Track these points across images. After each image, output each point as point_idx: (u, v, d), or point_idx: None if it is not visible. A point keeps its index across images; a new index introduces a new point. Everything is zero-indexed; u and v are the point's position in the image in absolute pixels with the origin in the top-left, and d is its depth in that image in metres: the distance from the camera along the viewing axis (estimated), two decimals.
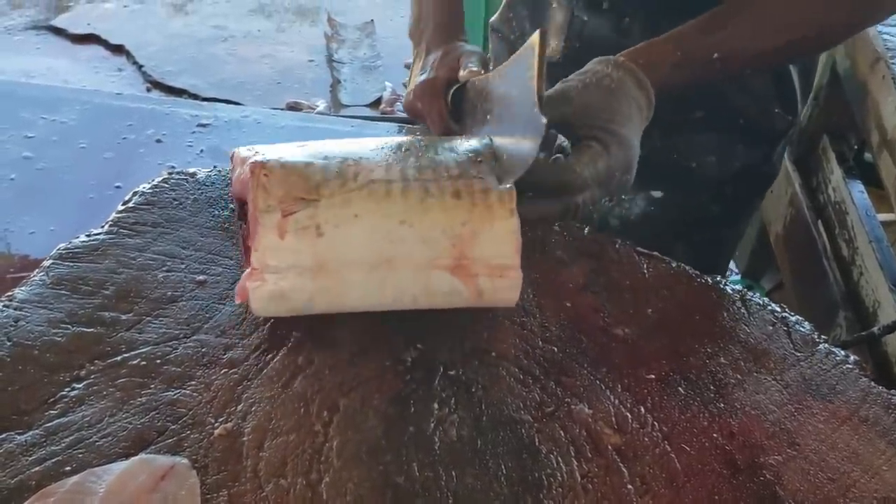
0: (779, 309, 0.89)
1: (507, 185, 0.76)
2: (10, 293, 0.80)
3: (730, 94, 1.07)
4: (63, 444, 0.69)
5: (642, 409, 0.77)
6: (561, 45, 1.09)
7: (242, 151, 0.81)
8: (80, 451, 0.69)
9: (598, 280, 0.90)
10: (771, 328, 0.87)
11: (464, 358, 0.80)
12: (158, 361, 0.76)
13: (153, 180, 0.96)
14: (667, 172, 1.08)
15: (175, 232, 0.89)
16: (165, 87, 3.02)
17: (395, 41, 3.36)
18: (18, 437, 0.69)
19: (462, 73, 0.92)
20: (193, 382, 0.75)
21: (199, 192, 0.95)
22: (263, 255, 0.74)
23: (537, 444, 0.73)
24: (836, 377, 0.82)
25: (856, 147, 1.62)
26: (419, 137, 0.85)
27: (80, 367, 0.75)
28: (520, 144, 0.77)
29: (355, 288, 0.76)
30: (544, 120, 0.73)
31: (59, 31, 3.32)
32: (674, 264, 0.94)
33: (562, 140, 0.83)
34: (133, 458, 0.68)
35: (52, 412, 0.71)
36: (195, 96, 2.88)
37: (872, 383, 0.82)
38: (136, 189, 0.95)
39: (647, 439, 0.75)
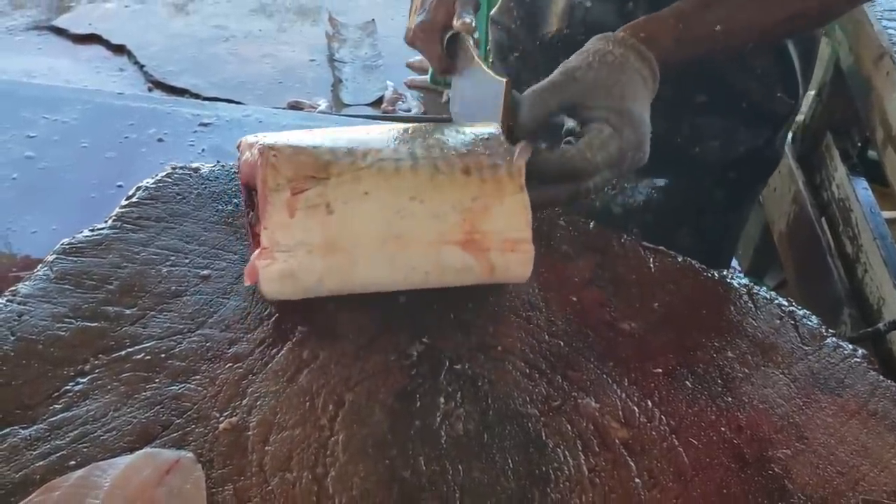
0: (786, 303, 0.89)
1: (517, 161, 0.76)
2: (13, 288, 0.80)
3: (732, 78, 1.06)
4: (67, 439, 0.68)
5: (649, 403, 0.77)
6: (565, 32, 1.09)
7: (250, 138, 0.81)
8: (85, 445, 0.68)
9: (603, 274, 0.90)
10: (778, 322, 0.87)
11: (470, 352, 0.79)
12: (163, 356, 0.76)
13: (156, 175, 0.95)
14: (670, 158, 1.08)
15: (179, 227, 0.89)
16: (167, 86, 3.01)
17: (397, 40, 3.35)
18: (23, 432, 0.69)
19: (455, 23, 0.93)
20: (198, 377, 0.75)
21: (203, 186, 0.95)
22: (273, 234, 0.74)
23: (544, 438, 0.73)
24: (845, 371, 0.82)
25: (860, 144, 1.62)
26: (425, 124, 0.85)
27: (84, 361, 0.75)
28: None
29: (366, 265, 0.76)
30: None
31: (60, 32, 3.32)
32: (680, 258, 0.93)
33: (570, 123, 0.82)
34: (138, 453, 0.67)
35: (56, 406, 0.71)
36: (197, 96, 2.88)
37: (881, 377, 0.82)
38: (140, 184, 0.94)
39: (654, 433, 0.74)
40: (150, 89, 2.98)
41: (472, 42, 0.92)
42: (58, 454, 0.67)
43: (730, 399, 0.78)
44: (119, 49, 3.21)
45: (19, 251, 1.20)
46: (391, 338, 0.80)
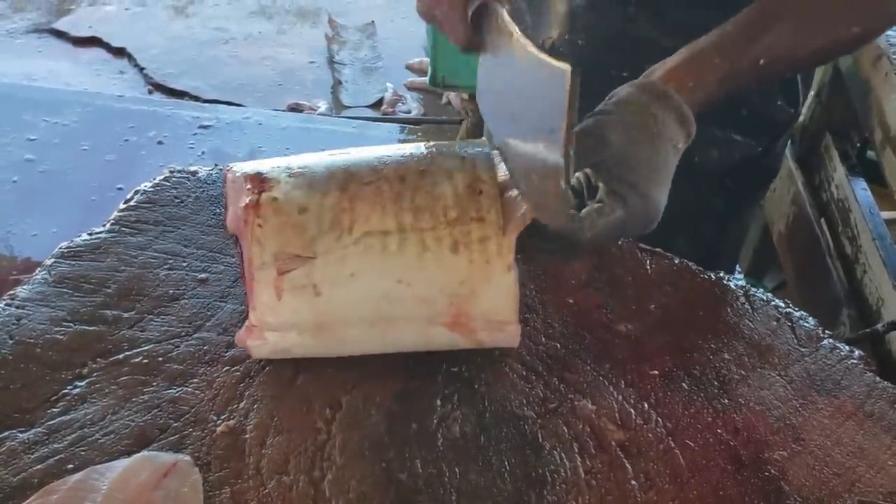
0: (783, 304, 0.89)
1: (509, 233, 0.73)
2: (12, 292, 0.80)
3: None
4: (65, 442, 0.69)
5: (646, 405, 0.77)
6: (566, 36, 1.09)
7: (237, 177, 0.77)
8: (83, 448, 0.68)
9: (600, 276, 0.90)
10: (775, 323, 0.87)
11: (466, 354, 0.79)
12: (160, 359, 0.76)
13: (154, 179, 0.96)
14: None
15: (176, 230, 0.89)
16: (167, 89, 3.01)
17: (397, 42, 3.36)
18: (21, 435, 0.69)
19: None
20: (195, 380, 0.75)
21: (201, 190, 0.95)
22: (262, 315, 0.73)
23: (541, 440, 0.73)
24: (841, 372, 0.82)
25: (858, 145, 1.61)
26: (419, 146, 0.80)
27: (82, 365, 0.75)
28: (534, 161, 0.70)
29: (356, 343, 0.76)
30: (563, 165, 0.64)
31: (60, 34, 3.32)
32: (676, 260, 0.93)
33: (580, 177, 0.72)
34: (136, 456, 0.68)
35: (54, 410, 0.71)
36: (196, 98, 2.88)
37: (878, 378, 0.82)
38: (138, 188, 0.94)
39: (650, 435, 0.74)
40: (150, 92, 2.98)
41: (505, 14, 0.77)
42: (56, 458, 0.68)
43: (726, 401, 0.78)
44: (119, 52, 3.21)
45: (20, 254, 1.20)
46: None
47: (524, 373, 0.79)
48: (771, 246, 1.78)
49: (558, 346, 0.82)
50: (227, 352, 0.78)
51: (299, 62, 3.24)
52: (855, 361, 0.83)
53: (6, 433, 0.69)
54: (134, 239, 0.88)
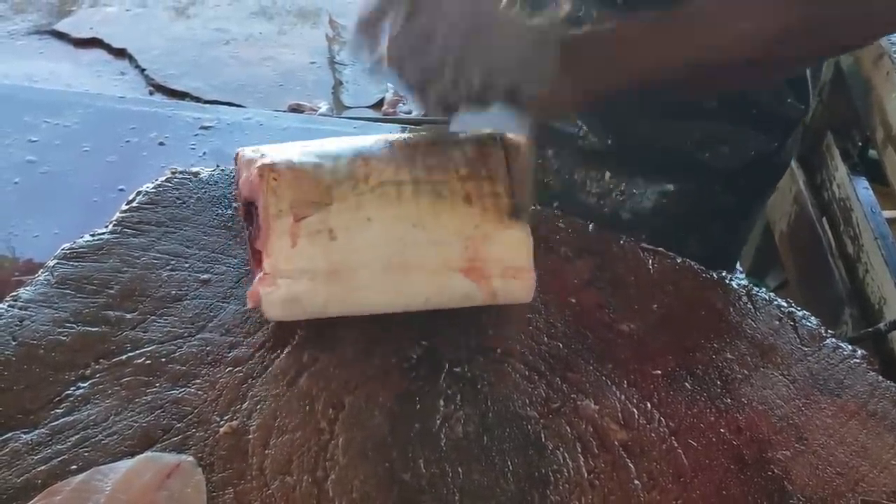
0: (785, 304, 0.89)
1: (516, 195, 0.76)
2: (14, 293, 0.80)
3: None
4: (69, 443, 0.69)
5: (649, 405, 0.77)
6: (578, 15, 1.08)
7: (247, 153, 0.80)
8: (86, 449, 0.68)
9: (602, 276, 0.90)
10: (777, 323, 0.87)
11: (469, 355, 0.79)
12: (163, 360, 0.76)
13: (156, 180, 0.96)
14: (679, 164, 1.08)
15: (179, 231, 0.89)
16: (168, 90, 3.01)
17: None
18: (24, 437, 0.69)
19: None
20: (198, 381, 0.75)
21: (203, 190, 0.95)
22: (276, 261, 0.74)
23: (543, 440, 0.73)
24: (844, 372, 0.82)
25: (860, 144, 1.61)
26: (426, 134, 0.85)
27: (85, 366, 0.75)
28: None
29: (369, 291, 0.76)
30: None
31: (61, 36, 3.32)
32: (679, 259, 0.93)
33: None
34: (139, 457, 0.68)
35: (57, 411, 0.71)
36: (197, 99, 2.88)
37: (880, 377, 0.82)
38: (140, 189, 0.94)
39: (653, 435, 0.74)
40: (151, 93, 2.98)
41: None
42: (59, 458, 0.67)
43: (729, 400, 0.78)
44: (120, 53, 3.20)
45: (21, 255, 1.20)
46: (391, 341, 0.80)
47: (527, 373, 0.79)
48: (773, 245, 1.78)
49: (561, 345, 0.82)
50: (229, 352, 0.78)
51: (300, 63, 3.25)
52: (857, 361, 0.83)
53: (10, 434, 0.69)
54: (136, 240, 0.88)
